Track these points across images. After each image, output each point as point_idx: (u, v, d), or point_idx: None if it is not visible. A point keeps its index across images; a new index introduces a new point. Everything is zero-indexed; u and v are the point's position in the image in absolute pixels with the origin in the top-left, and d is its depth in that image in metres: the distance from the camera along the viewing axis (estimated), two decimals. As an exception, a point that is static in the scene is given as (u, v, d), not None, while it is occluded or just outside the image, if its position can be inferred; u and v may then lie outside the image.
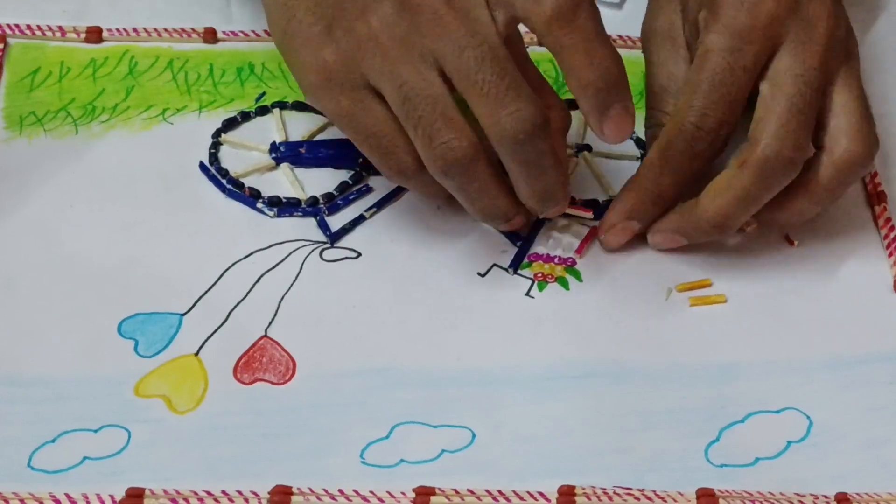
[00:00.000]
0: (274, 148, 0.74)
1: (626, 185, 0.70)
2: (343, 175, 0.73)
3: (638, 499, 0.61)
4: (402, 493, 0.61)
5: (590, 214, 0.71)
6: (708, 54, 0.67)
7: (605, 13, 0.81)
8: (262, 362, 0.65)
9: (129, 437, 0.62)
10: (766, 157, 0.65)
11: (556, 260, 0.70)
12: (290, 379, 0.64)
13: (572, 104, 0.68)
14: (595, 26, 0.63)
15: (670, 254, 0.70)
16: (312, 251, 0.70)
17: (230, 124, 0.75)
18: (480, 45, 0.63)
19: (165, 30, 0.79)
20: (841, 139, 0.67)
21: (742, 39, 0.67)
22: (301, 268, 0.69)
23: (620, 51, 0.78)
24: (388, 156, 0.65)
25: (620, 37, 0.80)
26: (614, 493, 0.61)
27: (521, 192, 0.66)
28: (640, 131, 0.74)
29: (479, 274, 0.69)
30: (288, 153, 0.74)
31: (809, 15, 0.67)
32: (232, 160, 0.73)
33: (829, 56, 0.67)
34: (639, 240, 0.71)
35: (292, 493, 0.60)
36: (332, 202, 0.72)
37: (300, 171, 0.73)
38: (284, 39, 0.67)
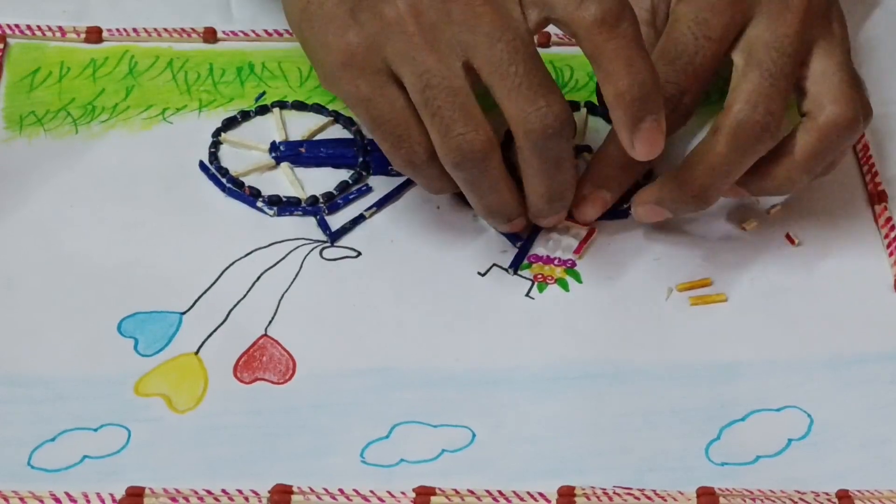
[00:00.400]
0: (274, 147, 0.74)
1: (593, 156, 0.70)
2: (343, 174, 0.73)
3: (638, 498, 0.61)
4: (403, 493, 0.60)
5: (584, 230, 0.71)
6: (675, 23, 0.68)
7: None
8: (262, 361, 0.65)
9: (129, 436, 0.62)
10: (738, 121, 0.65)
11: (555, 262, 0.70)
12: (290, 378, 0.64)
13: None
14: (636, 35, 0.63)
15: (671, 253, 0.70)
16: (312, 250, 0.70)
17: (230, 124, 0.75)
18: (514, 39, 0.63)
19: (165, 30, 0.79)
20: (823, 103, 0.66)
21: (710, 10, 0.67)
22: (301, 267, 0.69)
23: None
24: (400, 144, 0.65)
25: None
26: (614, 493, 0.61)
27: (535, 189, 0.66)
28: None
29: (479, 274, 0.69)
30: (288, 152, 0.73)
31: None
32: (232, 159, 0.73)
33: (807, 25, 0.67)
34: (638, 239, 0.71)
35: (292, 493, 0.60)
36: (332, 201, 0.72)
37: (300, 171, 0.73)
38: (303, 21, 0.67)
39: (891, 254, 0.71)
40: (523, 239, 0.70)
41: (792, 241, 0.71)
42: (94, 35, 0.78)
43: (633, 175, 0.69)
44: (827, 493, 0.61)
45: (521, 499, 0.61)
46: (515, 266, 0.69)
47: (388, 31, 0.64)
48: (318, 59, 0.66)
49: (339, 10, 0.65)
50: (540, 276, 0.69)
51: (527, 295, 0.68)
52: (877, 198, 0.73)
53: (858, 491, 0.61)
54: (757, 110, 0.65)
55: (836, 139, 0.67)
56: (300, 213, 0.71)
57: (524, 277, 0.69)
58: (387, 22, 0.64)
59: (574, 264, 0.70)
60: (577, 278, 0.69)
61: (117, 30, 0.79)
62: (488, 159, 0.64)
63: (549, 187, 0.66)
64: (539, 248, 0.70)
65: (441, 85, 0.63)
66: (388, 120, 0.65)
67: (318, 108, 0.76)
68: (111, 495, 0.59)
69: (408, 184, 0.73)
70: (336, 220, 0.71)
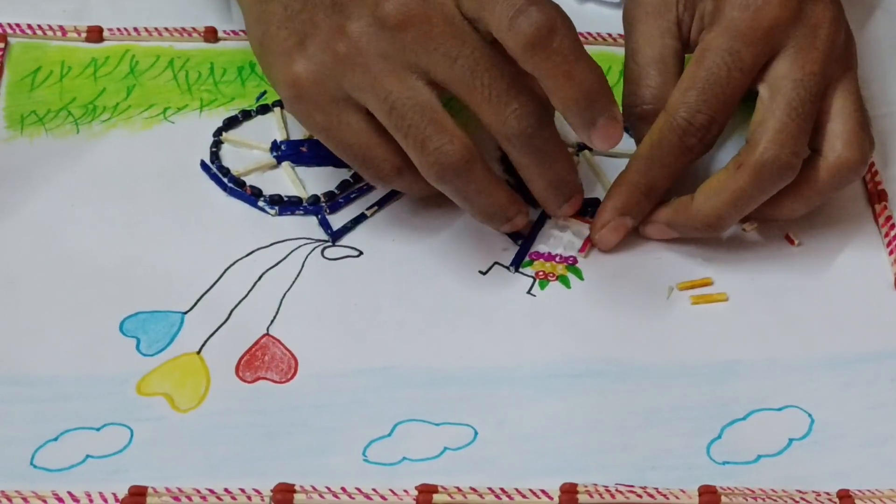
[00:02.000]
0: (275, 146, 0.74)
1: (616, 180, 0.70)
2: (344, 173, 0.73)
3: (640, 496, 0.61)
4: (405, 491, 0.61)
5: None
6: (707, 52, 0.68)
7: (605, 13, 0.82)
8: (263, 360, 0.65)
9: (132, 435, 0.62)
10: (764, 160, 0.66)
11: (557, 258, 0.70)
12: (292, 377, 0.64)
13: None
14: (571, 45, 0.63)
15: (671, 252, 0.70)
16: (314, 250, 0.70)
17: (231, 123, 0.75)
18: (472, 52, 0.63)
19: (166, 29, 0.79)
20: (836, 144, 0.67)
21: (743, 41, 0.67)
22: (303, 266, 0.69)
23: (620, 50, 0.80)
24: (367, 164, 0.67)
25: (621, 35, 0.80)
26: (616, 490, 0.61)
27: (537, 185, 0.67)
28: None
29: (480, 272, 0.69)
30: (289, 152, 0.74)
31: (812, 21, 0.68)
32: (233, 159, 0.73)
33: (829, 62, 0.68)
34: (639, 239, 0.71)
35: (294, 492, 0.60)
36: (334, 200, 0.72)
37: (301, 170, 0.73)
38: (261, 53, 0.68)
39: (891, 252, 0.71)
40: (524, 237, 0.71)
41: (792, 242, 0.71)
42: (95, 34, 0.78)
43: (656, 200, 0.69)
44: (828, 493, 0.61)
45: (524, 496, 0.61)
46: (517, 264, 0.70)
47: (342, 65, 0.65)
48: (276, 90, 0.68)
49: (287, 42, 0.66)
50: (542, 272, 0.69)
51: (528, 292, 0.69)
52: (877, 197, 0.73)
53: (859, 490, 0.62)
54: (783, 150, 0.66)
55: (843, 180, 0.68)
56: (301, 212, 0.71)
57: (526, 275, 0.69)
58: (339, 57, 0.65)
59: (575, 261, 0.70)
60: (579, 275, 0.69)
61: (118, 29, 0.79)
62: (470, 166, 0.64)
63: (550, 179, 0.67)
64: (541, 246, 0.71)
65: (407, 104, 0.64)
66: (350, 145, 0.66)
67: (319, 108, 0.76)
68: (114, 495, 0.59)
69: (409, 183, 0.73)
70: (337, 220, 0.71)
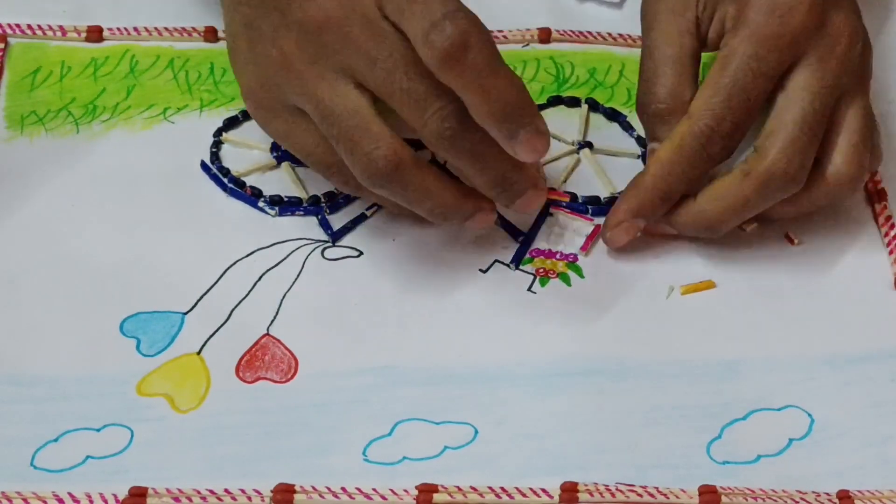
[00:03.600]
0: (275, 147, 0.74)
1: (633, 182, 0.69)
2: (344, 173, 0.73)
3: (640, 495, 0.61)
4: (405, 491, 0.61)
5: (566, 199, 0.71)
6: (731, 57, 0.67)
7: (606, 13, 0.82)
8: (264, 361, 0.65)
9: (132, 435, 0.62)
10: (773, 172, 0.66)
11: (557, 255, 0.70)
12: (292, 377, 0.64)
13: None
14: (486, 59, 0.61)
15: (672, 251, 0.70)
16: (314, 250, 0.70)
17: (231, 123, 0.75)
18: (390, 55, 0.63)
19: (166, 29, 0.79)
20: (836, 159, 0.67)
21: (768, 48, 0.67)
22: (303, 266, 0.69)
23: (620, 50, 0.80)
24: (331, 172, 0.67)
25: (621, 35, 0.80)
26: (617, 489, 0.61)
27: (478, 184, 0.66)
28: (642, 131, 0.74)
29: (480, 270, 0.69)
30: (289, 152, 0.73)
31: (833, 31, 0.67)
32: (233, 159, 0.73)
33: (845, 73, 0.68)
34: (640, 238, 0.71)
35: (295, 492, 0.60)
36: (334, 201, 0.72)
37: (301, 170, 0.73)
38: (231, 63, 0.69)
39: (891, 252, 0.71)
40: (525, 234, 0.71)
41: (792, 241, 0.71)
42: (95, 34, 0.78)
43: (671, 204, 0.69)
44: (828, 493, 0.61)
45: (524, 495, 0.61)
46: (517, 261, 0.70)
47: (280, 71, 0.65)
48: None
49: (243, 54, 0.67)
50: (542, 269, 0.69)
51: (529, 290, 0.69)
52: (877, 196, 0.73)
53: (859, 491, 0.62)
54: (792, 164, 0.66)
55: (838, 195, 0.68)
56: (302, 212, 0.71)
57: (526, 272, 0.69)
58: (276, 63, 0.65)
59: (576, 258, 0.70)
60: (580, 273, 0.69)
61: (118, 29, 0.79)
62: (401, 169, 0.63)
63: (486, 179, 0.65)
64: (541, 243, 0.71)
65: (335, 112, 0.63)
66: (311, 152, 0.66)
67: (319, 107, 0.76)
68: (114, 495, 0.60)
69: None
70: (337, 220, 0.71)
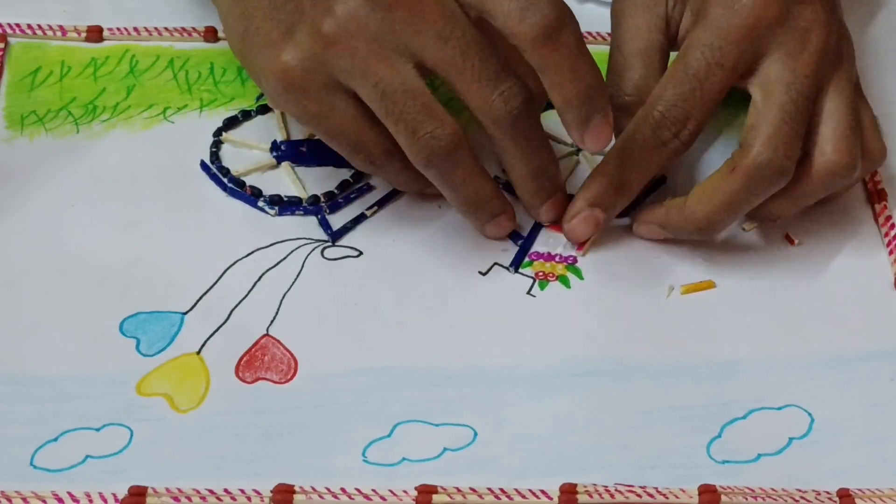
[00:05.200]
0: (275, 146, 0.74)
1: (591, 173, 0.70)
2: (344, 173, 0.73)
3: (640, 496, 0.61)
4: (405, 492, 0.61)
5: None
6: (689, 48, 0.68)
7: (605, 13, 0.81)
8: (263, 361, 0.65)
9: (132, 435, 0.62)
10: (758, 164, 0.66)
11: (557, 258, 0.70)
12: (291, 378, 0.64)
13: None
14: (577, 42, 0.64)
15: (671, 252, 0.70)
16: (314, 250, 0.70)
17: (231, 123, 0.75)
18: (462, 35, 0.64)
19: (166, 28, 0.79)
20: (826, 147, 0.67)
21: (725, 38, 0.67)
22: (302, 266, 0.69)
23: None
24: (357, 150, 0.67)
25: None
26: (616, 490, 0.61)
27: (518, 173, 0.67)
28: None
29: (480, 273, 0.69)
30: (289, 152, 0.74)
31: (801, 24, 0.68)
32: (233, 159, 0.73)
33: (822, 64, 0.68)
34: (638, 238, 0.71)
35: (294, 492, 0.60)
36: (334, 200, 0.72)
37: (301, 170, 0.73)
38: (243, 47, 0.68)
39: (891, 252, 0.71)
40: (524, 237, 0.71)
41: (791, 241, 0.71)
42: (95, 34, 0.78)
43: (629, 198, 0.69)
44: (828, 492, 0.62)
45: (524, 496, 0.61)
46: (517, 264, 0.70)
47: (331, 49, 0.64)
48: (262, 84, 0.67)
49: (274, 32, 0.66)
50: (541, 273, 0.69)
51: (528, 293, 0.69)
52: (876, 196, 0.73)
53: (859, 490, 0.62)
54: (777, 154, 0.66)
55: (831, 184, 0.68)
56: (301, 212, 0.71)
57: (525, 275, 0.69)
58: (328, 40, 0.64)
59: (575, 261, 0.70)
60: (579, 275, 0.69)
61: (118, 29, 0.79)
62: (458, 151, 0.65)
63: (532, 166, 0.67)
64: (540, 246, 0.71)
65: (398, 90, 0.64)
66: (342, 131, 0.66)
67: (319, 107, 0.76)
68: (114, 495, 0.60)
69: (409, 183, 0.73)
70: (337, 220, 0.71)
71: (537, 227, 0.71)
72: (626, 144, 0.68)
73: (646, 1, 0.71)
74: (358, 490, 0.60)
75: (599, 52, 0.79)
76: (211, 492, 0.60)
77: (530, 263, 0.70)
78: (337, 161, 0.73)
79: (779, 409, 0.65)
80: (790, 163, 0.66)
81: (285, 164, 0.73)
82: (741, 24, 0.67)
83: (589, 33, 0.80)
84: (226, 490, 0.60)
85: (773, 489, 0.61)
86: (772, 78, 0.67)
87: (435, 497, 0.60)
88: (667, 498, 0.61)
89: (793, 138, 0.66)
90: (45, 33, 0.78)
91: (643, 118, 0.68)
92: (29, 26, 0.78)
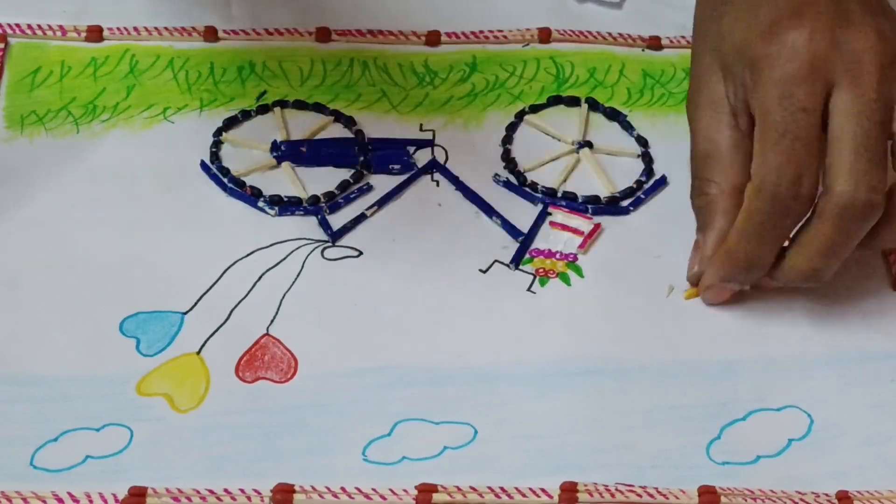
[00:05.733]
0: (275, 147, 0.74)
1: (721, 249, 0.67)
2: (344, 174, 0.73)
3: (640, 496, 0.61)
4: (405, 491, 0.61)
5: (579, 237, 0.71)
6: (763, 114, 0.64)
7: (605, 13, 0.82)
8: (263, 360, 0.65)
9: (132, 435, 0.62)
10: (843, 205, 0.63)
11: (557, 255, 0.70)
12: (291, 377, 0.64)
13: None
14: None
15: (671, 251, 0.70)
16: (314, 250, 0.70)
17: (231, 123, 0.75)
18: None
19: (166, 28, 0.79)
20: None
21: (789, 84, 0.64)
22: (302, 266, 0.69)
23: (620, 49, 0.80)
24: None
25: (621, 35, 0.80)
26: (616, 490, 0.61)
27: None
28: (644, 131, 0.75)
29: (480, 270, 0.69)
30: (289, 152, 0.74)
31: (853, 48, 0.64)
32: (233, 159, 0.73)
33: (886, 82, 0.64)
34: (638, 237, 0.71)
35: (294, 492, 0.60)
36: (333, 201, 0.72)
37: (301, 170, 0.73)
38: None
39: (889, 253, 0.71)
40: (524, 234, 0.71)
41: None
42: (95, 34, 0.78)
43: (761, 268, 0.66)
44: (827, 494, 0.62)
45: (524, 495, 0.61)
46: (517, 262, 0.70)
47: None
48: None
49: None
50: (542, 269, 0.69)
51: (528, 290, 0.69)
52: (876, 195, 0.73)
53: (859, 491, 0.62)
54: (859, 189, 0.62)
55: None
56: (301, 212, 0.71)
57: (526, 272, 0.69)
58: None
59: (576, 258, 0.70)
60: (579, 272, 0.69)
61: (118, 28, 0.79)
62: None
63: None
64: (540, 243, 0.71)
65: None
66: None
67: (319, 108, 0.76)
68: (114, 495, 0.60)
69: (408, 183, 0.73)
70: (337, 220, 0.71)
71: (537, 224, 0.71)
72: (747, 223, 0.65)
73: (707, 98, 0.68)
74: (358, 489, 0.60)
75: (599, 51, 0.80)
76: (211, 492, 0.60)
77: (531, 260, 0.70)
78: (336, 161, 0.73)
79: (778, 410, 0.65)
80: (876, 195, 0.63)
81: (285, 165, 0.73)
82: (799, 64, 0.64)
83: (589, 32, 0.80)
84: (226, 490, 0.60)
85: (772, 490, 0.61)
86: (840, 110, 0.63)
87: (435, 496, 0.60)
88: (667, 498, 0.61)
89: (871, 168, 0.63)
90: (45, 33, 0.78)
91: (756, 192, 0.64)
92: (29, 26, 0.78)
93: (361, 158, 0.73)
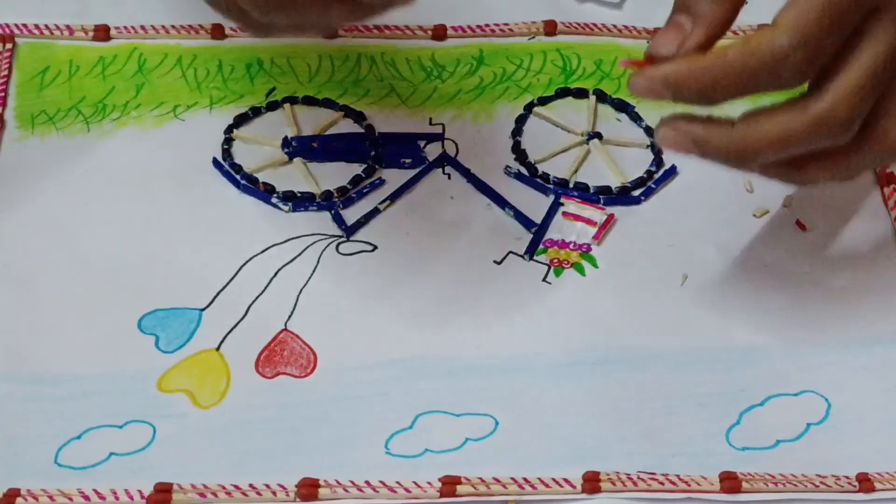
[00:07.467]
0: (286, 143, 0.74)
1: (687, 58, 0.59)
2: (356, 168, 0.73)
3: (662, 483, 0.61)
4: (429, 483, 0.61)
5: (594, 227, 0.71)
6: None
7: (605, 13, 0.82)
8: (283, 356, 0.65)
9: (154, 432, 0.62)
10: (833, 114, 0.59)
11: (571, 246, 0.70)
12: (311, 372, 0.65)
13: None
14: None
15: (683, 240, 0.71)
16: (329, 245, 0.70)
17: (241, 120, 0.75)
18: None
19: (173, 26, 0.79)
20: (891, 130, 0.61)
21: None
22: (318, 261, 0.69)
23: (625, 41, 0.80)
24: None
25: (626, 27, 0.81)
26: (638, 478, 0.61)
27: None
28: (651, 120, 0.75)
29: (495, 262, 0.70)
30: (300, 148, 0.74)
31: None
32: (245, 156, 0.73)
33: None
34: (651, 225, 0.71)
35: (319, 486, 0.60)
36: (346, 196, 0.72)
37: (313, 165, 0.73)
38: None
39: (904, 238, 0.72)
40: (538, 225, 0.71)
41: (803, 228, 0.72)
42: (102, 33, 0.78)
43: (704, 101, 0.59)
44: (847, 477, 0.62)
45: (547, 486, 0.61)
46: (531, 252, 0.70)
47: None
48: None
49: None
50: (556, 260, 0.70)
51: (544, 280, 0.69)
52: (885, 180, 0.74)
53: (878, 473, 0.62)
54: (854, 110, 0.59)
55: (890, 158, 0.62)
56: (315, 208, 0.71)
57: (540, 263, 0.70)
58: None
59: (589, 248, 0.70)
60: (593, 263, 0.70)
61: (125, 27, 0.78)
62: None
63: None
64: (554, 233, 0.71)
65: None
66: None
67: (329, 103, 0.76)
68: (139, 492, 0.60)
69: (420, 176, 0.73)
70: (351, 215, 0.71)
71: (550, 215, 0.71)
72: (740, 56, 0.58)
73: None
74: (382, 482, 0.61)
75: (605, 43, 0.80)
76: (236, 487, 0.60)
77: (544, 251, 0.70)
78: (348, 156, 0.73)
79: (796, 395, 0.65)
80: (857, 125, 0.59)
81: (297, 160, 0.73)
82: None
83: (594, 24, 0.81)
84: (251, 485, 0.60)
85: (793, 475, 0.62)
86: (871, 34, 0.59)
87: (459, 487, 0.61)
88: (688, 485, 0.61)
89: (870, 100, 0.59)
90: (52, 33, 0.78)
91: (767, 41, 0.58)
92: (36, 26, 0.78)
93: (373, 153, 0.74)
